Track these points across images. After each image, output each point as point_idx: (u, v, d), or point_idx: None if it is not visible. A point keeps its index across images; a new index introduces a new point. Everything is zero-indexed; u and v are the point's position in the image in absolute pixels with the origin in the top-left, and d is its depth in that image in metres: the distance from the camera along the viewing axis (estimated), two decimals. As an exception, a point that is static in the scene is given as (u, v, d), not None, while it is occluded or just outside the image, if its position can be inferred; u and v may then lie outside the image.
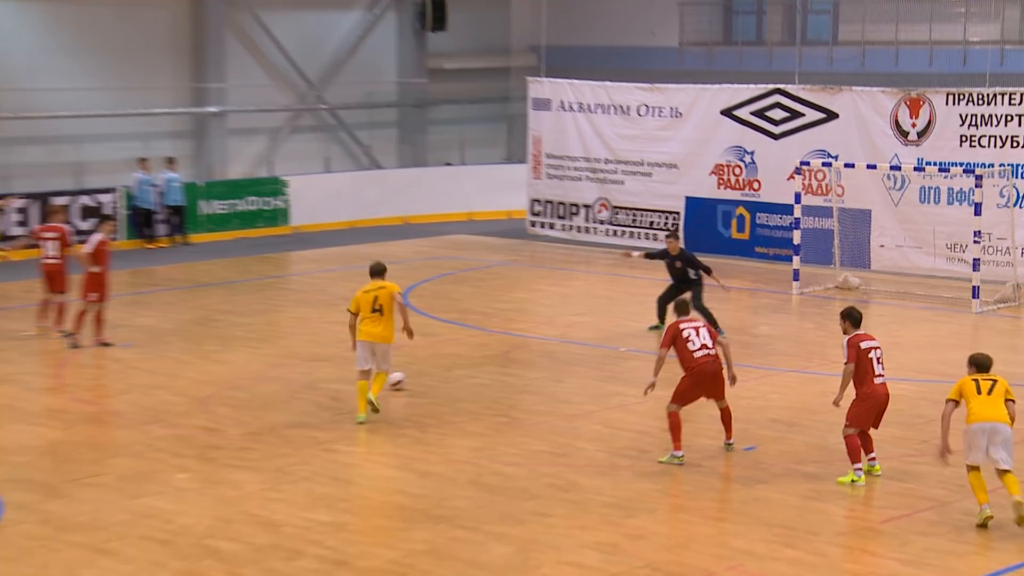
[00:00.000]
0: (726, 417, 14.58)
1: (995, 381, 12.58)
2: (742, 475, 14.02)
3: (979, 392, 12.47)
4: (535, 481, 13.69)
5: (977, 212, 23.13)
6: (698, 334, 14.31)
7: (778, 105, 27.54)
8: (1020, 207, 24.46)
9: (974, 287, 23.04)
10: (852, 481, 13.51)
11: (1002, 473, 12.42)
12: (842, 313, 13.87)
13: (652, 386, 14.33)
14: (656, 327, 20.74)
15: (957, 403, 12.62)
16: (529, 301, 24.75)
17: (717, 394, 14.43)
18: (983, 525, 12.36)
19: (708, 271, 20.48)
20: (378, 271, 16.12)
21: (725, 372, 14.35)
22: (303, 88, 34.62)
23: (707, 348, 14.25)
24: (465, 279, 26.03)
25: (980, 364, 12.77)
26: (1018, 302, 23.62)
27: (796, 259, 24.91)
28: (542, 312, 23.57)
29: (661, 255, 20.83)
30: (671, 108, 29.05)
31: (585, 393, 17.41)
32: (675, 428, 14.16)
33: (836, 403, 13.80)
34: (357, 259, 28.03)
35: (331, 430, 15.51)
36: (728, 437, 14.65)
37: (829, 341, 20.34)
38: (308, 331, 21.11)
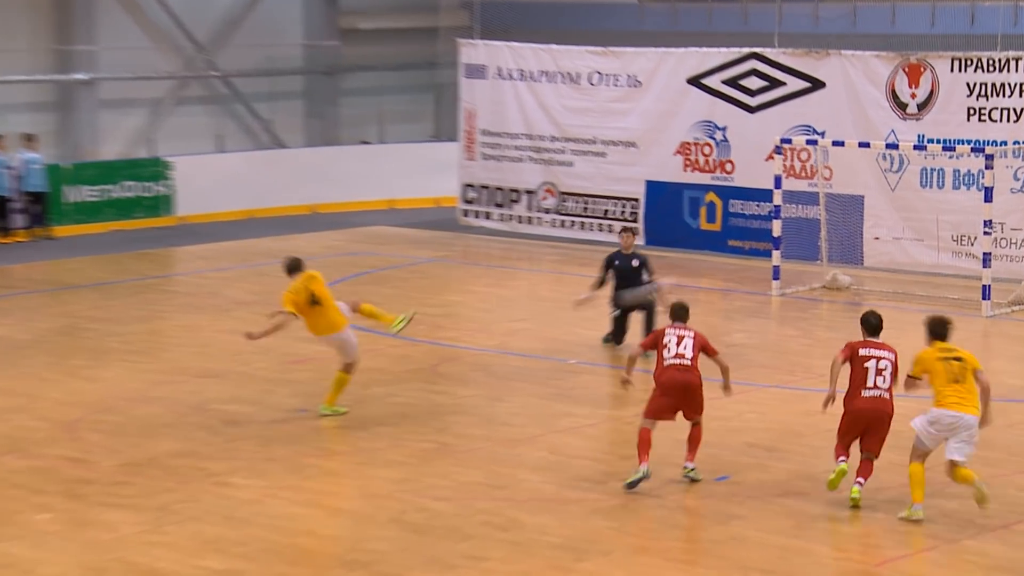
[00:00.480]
0: (694, 436, 14.59)
1: (962, 361, 13.32)
2: (713, 510, 14.06)
3: (954, 380, 13.23)
4: (469, 519, 13.69)
5: (987, 198, 23.32)
6: (679, 343, 14.46)
7: (754, 72, 27.70)
8: (1037, 192, 24.80)
9: (984, 286, 23.24)
10: (839, 474, 13.67)
11: (953, 466, 13.19)
12: (860, 318, 14.33)
13: (625, 382, 14.90)
14: (609, 340, 20.64)
15: (918, 381, 13.46)
16: (462, 305, 24.75)
17: (692, 408, 14.46)
18: (907, 520, 13.19)
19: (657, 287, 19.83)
20: (295, 268, 16.96)
21: (722, 387, 14.58)
22: (190, 52, 34.43)
23: (682, 357, 14.35)
24: (385, 279, 25.98)
25: (936, 331, 13.53)
26: (1035, 303, 23.89)
27: (776, 254, 25.06)
28: (477, 318, 23.57)
29: (612, 260, 20.31)
30: (628, 76, 29.14)
31: (528, 414, 17.42)
32: (643, 443, 14.23)
33: (827, 402, 13.97)
34: (256, 255, 27.91)
35: (224, 460, 15.42)
36: (689, 458, 14.59)
37: (814, 351, 20.49)
38: (197, 342, 21.00)
